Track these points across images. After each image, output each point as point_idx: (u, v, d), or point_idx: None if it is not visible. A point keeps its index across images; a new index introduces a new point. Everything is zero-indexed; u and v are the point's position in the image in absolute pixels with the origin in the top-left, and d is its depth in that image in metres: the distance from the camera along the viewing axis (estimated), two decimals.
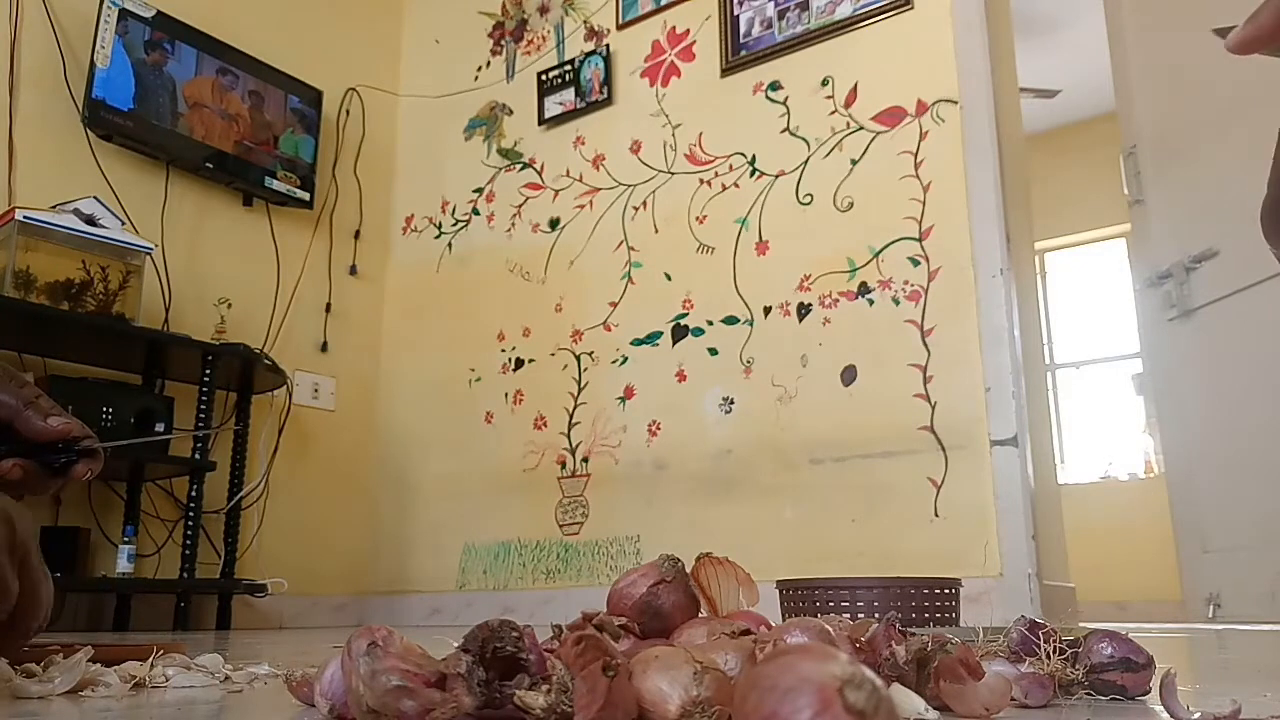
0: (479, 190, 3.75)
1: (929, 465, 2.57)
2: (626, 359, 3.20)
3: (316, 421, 3.64)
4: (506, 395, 3.46)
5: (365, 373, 3.85)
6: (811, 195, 2.91)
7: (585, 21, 3.58)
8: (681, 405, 3.04)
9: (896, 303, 2.70)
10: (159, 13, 3.20)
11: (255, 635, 2.52)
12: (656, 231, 3.22)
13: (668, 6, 3.35)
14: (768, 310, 2.93)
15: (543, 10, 3.72)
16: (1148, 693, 0.70)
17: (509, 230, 3.62)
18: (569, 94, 3.51)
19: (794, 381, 2.83)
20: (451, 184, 3.85)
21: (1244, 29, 0.49)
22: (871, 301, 2.75)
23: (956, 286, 2.62)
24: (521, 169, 3.64)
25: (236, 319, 3.31)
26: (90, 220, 2.69)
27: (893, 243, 2.74)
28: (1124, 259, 5.86)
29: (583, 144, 3.48)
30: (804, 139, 2.96)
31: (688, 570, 0.73)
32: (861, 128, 2.86)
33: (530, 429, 3.37)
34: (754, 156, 3.05)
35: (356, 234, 3.88)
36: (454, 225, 3.80)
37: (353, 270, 3.84)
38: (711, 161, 3.15)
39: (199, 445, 2.94)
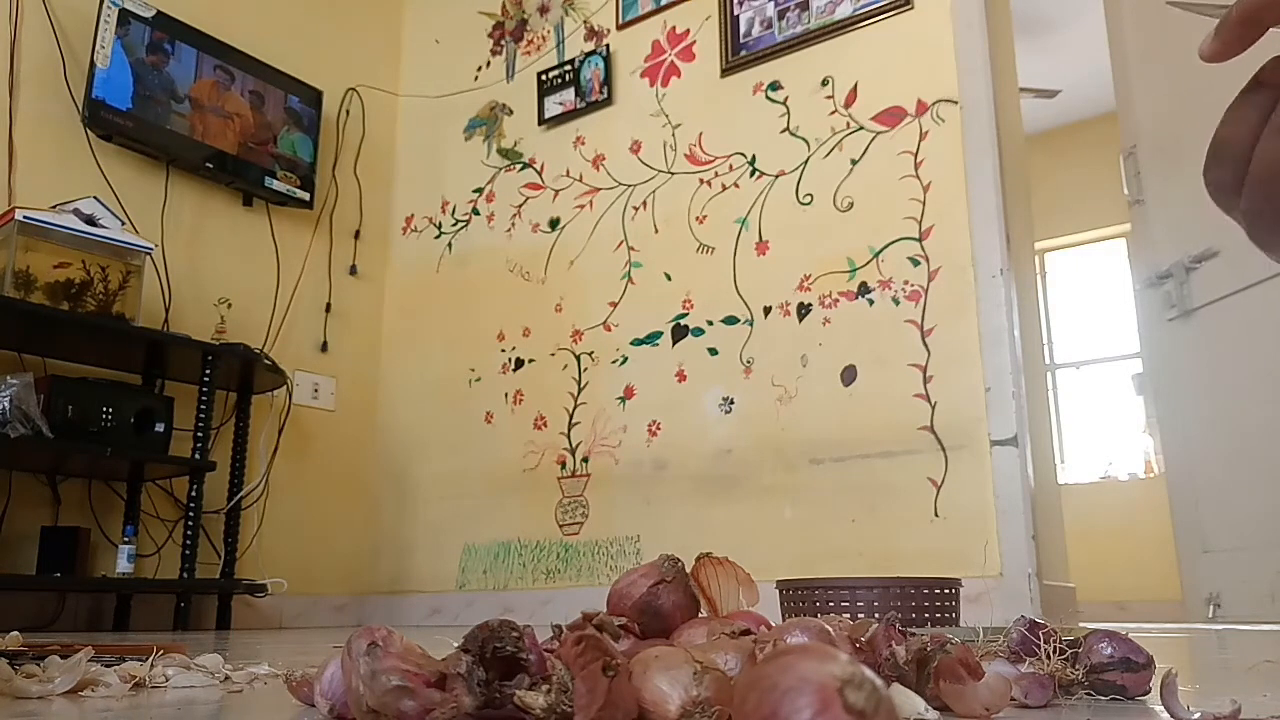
0: (479, 190, 3.75)
1: (929, 465, 2.57)
2: (626, 359, 3.20)
3: (316, 421, 3.64)
4: (506, 395, 3.46)
5: (365, 373, 3.85)
6: (811, 195, 2.91)
7: (585, 21, 3.58)
8: (681, 405, 3.04)
9: (896, 303, 2.70)
10: (159, 13, 3.20)
11: (255, 635, 2.51)
12: (656, 231, 3.22)
13: (668, 6, 3.35)
14: (768, 310, 2.93)
15: (543, 10, 3.72)
16: (1148, 693, 0.70)
17: (509, 230, 3.62)
18: (569, 94, 3.51)
19: (794, 381, 2.83)
20: (451, 184, 3.85)
21: (1212, 43, 0.49)
22: (871, 301, 2.75)
23: (956, 286, 2.62)
24: (521, 169, 3.64)
25: (236, 319, 3.31)
26: (90, 220, 2.69)
27: (893, 243, 2.74)
28: (1124, 259, 5.86)
29: (583, 144, 3.48)
30: (804, 139, 2.96)
31: (688, 570, 0.73)
32: (861, 128, 2.86)
33: (530, 429, 3.37)
34: (754, 156, 3.05)
35: (356, 234, 3.88)
36: (454, 225, 3.80)
37: (353, 270, 3.84)
38: (711, 161, 3.14)
39: (199, 445, 2.94)
